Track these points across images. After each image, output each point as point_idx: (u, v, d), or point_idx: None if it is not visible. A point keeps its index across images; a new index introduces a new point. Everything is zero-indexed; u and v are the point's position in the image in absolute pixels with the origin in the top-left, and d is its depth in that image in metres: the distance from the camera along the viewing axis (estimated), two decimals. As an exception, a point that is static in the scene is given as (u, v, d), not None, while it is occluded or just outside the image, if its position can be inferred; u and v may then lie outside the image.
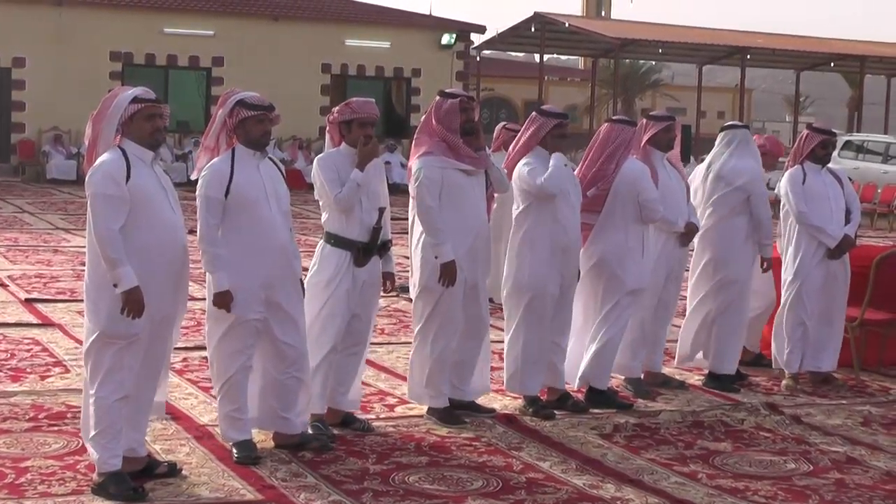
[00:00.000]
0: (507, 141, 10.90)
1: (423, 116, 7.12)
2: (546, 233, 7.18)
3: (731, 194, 8.28)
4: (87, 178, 5.49)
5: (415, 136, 7.10)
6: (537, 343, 7.25)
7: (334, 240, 6.56)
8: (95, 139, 5.53)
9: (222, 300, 5.94)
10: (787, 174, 8.48)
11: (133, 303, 5.38)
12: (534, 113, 7.48)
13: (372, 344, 8.90)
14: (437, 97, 7.05)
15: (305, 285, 6.41)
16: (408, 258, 7.24)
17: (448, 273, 6.74)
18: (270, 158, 6.25)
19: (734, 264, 8.30)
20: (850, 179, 8.86)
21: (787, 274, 8.43)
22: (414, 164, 6.92)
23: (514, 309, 7.29)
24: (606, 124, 7.85)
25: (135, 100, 5.52)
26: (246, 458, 6.00)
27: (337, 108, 6.70)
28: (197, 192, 6.03)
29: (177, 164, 27.48)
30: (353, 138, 6.56)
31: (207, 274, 6.04)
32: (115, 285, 5.38)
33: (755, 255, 8.38)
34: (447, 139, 6.87)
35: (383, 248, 6.69)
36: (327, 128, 6.76)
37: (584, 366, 7.58)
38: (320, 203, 6.66)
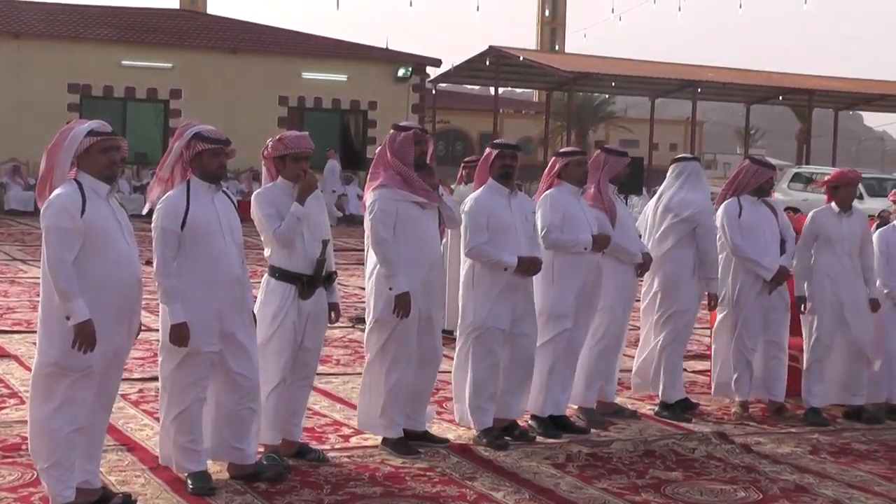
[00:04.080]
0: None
1: (378, 149, 7.19)
2: (489, 269, 7.28)
3: (678, 225, 8.40)
4: (42, 211, 5.50)
5: (370, 169, 7.17)
6: (488, 378, 7.32)
7: (279, 273, 6.57)
8: (50, 172, 5.54)
9: (179, 332, 5.94)
10: (723, 206, 8.52)
11: (85, 335, 5.38)
12: (488, 147, 7.58)
13: (327, 374, 8.98)
14: (392, 130, 7.13)
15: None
16: (364, 289, 7.29)
17: (402, 304, 6.80)
18: (224, 191, 6.29)
19: (681, 295, 8.42)
20: (798, 210, 9.01)
21: (723, 306, 8.55)
22: (368, 196, 6.98)
23: (465, 344, 7.37)
24: (554, 157, 7.96)
25: (90, 133, 5.54)
26: (201, 489, 6.01)
27: (270, 142, 6.66)
28: (153, 224, 6.05)
29: (135, 196, 27.42)
30: (289, 173, 6.57)
31: (162, 305, 6.07)
32: (67, 318, 5.39)
33: (703, 287, 8.51)
34: (402, 172, 6.94)
35: (328, 280, 6.71)
36: (262, 162, 6.75)
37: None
38: (262, 238, 6.67)
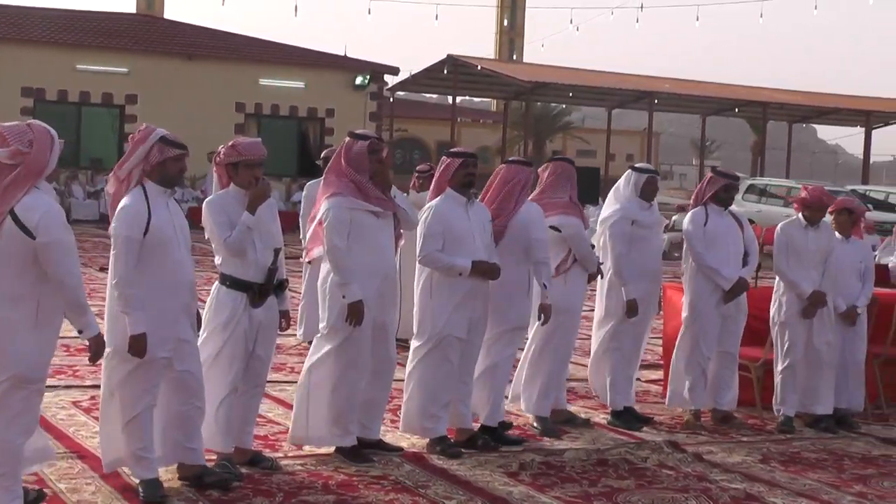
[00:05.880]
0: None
1: (332, 157, 7.17)
2: (447, 277, 7.29)
3: (600, 235, 8.57)
4: (43, 226, 5.24)
5: (324, 177, 7.15)
6: (443, 386, 7.33)
7: (230, 281, 6.53)
8: (36, 177, 5.29)
9: (138, 343, 5.89)
10: (689, 215, 8.64)
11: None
12: (444, 156, 7.61)
13: (281, 382, 8.96)
14: (347, 138, 7.11)
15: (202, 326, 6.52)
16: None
17: (355, 313, 6.80)
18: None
19: (607, 301, 8.55)
20: (752, 222, 9.09)
21: (684, 312, 8.64)
22: (322, 204, 6.97)
23: (419, 351, 7.37)
24: (504, 165, 7.95)
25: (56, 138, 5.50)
26: (153, 496, 5.99)
27: (223, 149, 6.62)
28: (113, 232, 5.95)
29: (89, 202, 27.23)
30: (242, 180, 6.54)
31: (116, 314, 6.02)
32: (80, 331, 5.44)
33: (646, 294, 8.55)
34: (356, 180, 6.94)
35: (279, 288, 6.70)
36: (214, 168, 6.71)
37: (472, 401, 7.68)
38: (213, 246, 6.63)
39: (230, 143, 6.63)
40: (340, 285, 6.83)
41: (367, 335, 6.93)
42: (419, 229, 7.31)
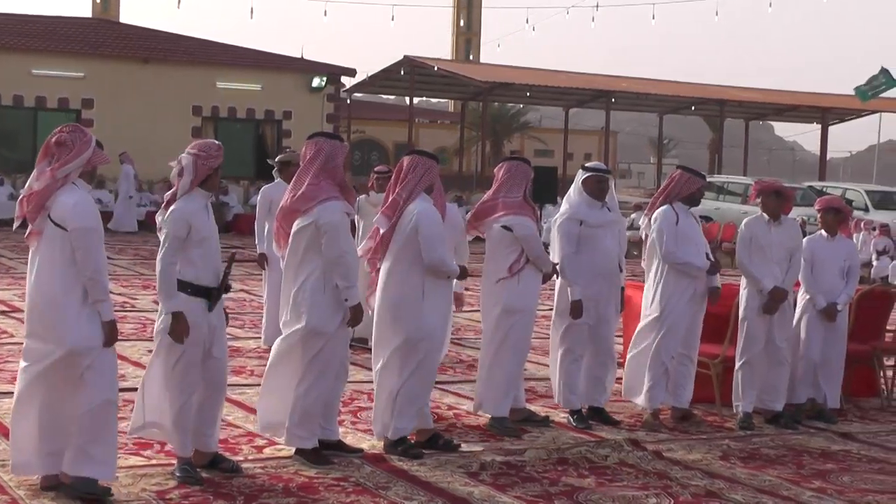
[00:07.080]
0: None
1: (321, 159, 6.96)
2: (440, 282, 7.30)
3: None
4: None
5: (309, 181, 6.96)
6: (420, 389, 7.33)
7: (191, 289, 6.45)
8: None
9: (113, 329, 6.02)
10: (661, 212, 8.60)
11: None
12: (417, 157, 7.45)
13: (241, 385, 8.94)
14: (330, 140, 7.06)
15: (155, 333, 6.53)
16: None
17: (357, 315, 6.88)
18: None
19: (562, 303, 8.53)
20: (711, 219, 9.15)
21: (650, 311, 8.63)
22: (324, 210, 6.85)
23: (408, 358, 7.26)
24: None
25: None
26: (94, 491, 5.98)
27: (214, 149, 6.51)
28: (81, 225, 5.91)
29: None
30: (214, 183, 6.57)
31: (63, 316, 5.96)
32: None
33: (601, 294, 8.51)
34: (341, 182, 6.99)
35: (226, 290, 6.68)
36: (178, 171, 6.50)
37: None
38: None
39: (216, 146, 6.55)
40: (347, 289, 6.85)
41: (346, 338, 7.05)
42: (429, 232, 7.20)
